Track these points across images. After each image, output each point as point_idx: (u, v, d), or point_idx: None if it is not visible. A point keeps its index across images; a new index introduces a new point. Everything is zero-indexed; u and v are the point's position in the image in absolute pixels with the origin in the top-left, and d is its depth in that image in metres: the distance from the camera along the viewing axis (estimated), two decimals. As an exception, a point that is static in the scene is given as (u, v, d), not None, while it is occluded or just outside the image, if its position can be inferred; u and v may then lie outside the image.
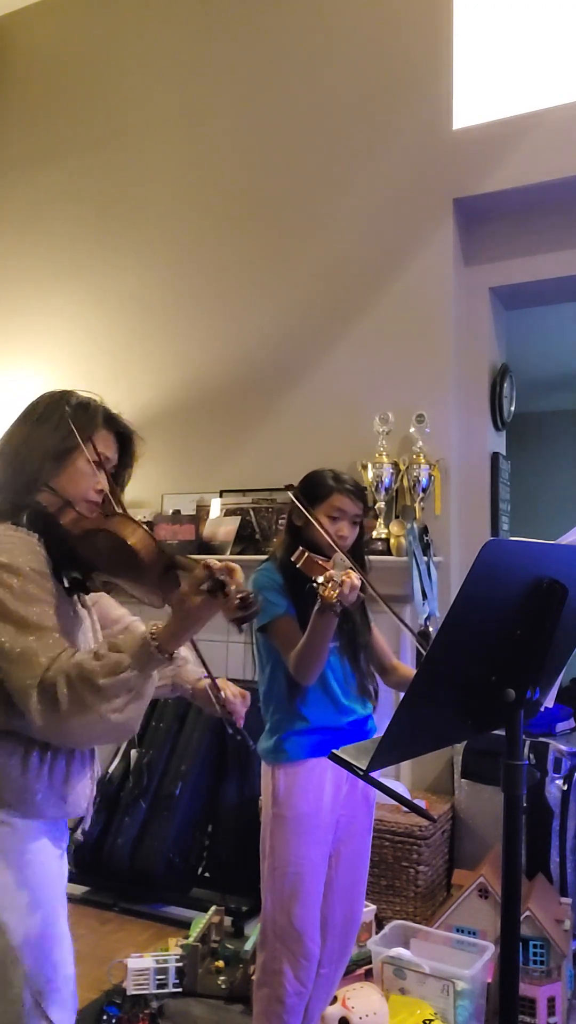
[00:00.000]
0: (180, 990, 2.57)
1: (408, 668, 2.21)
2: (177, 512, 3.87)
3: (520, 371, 4.08)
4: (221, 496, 3.81)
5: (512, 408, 3.80)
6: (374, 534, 3.29)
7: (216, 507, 3.77)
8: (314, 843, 1.97)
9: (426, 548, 3.19)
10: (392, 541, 3.29)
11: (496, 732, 1.25)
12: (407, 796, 2.80)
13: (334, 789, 2.00)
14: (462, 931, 2.60)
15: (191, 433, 4.01)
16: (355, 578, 1.76)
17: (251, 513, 3.64)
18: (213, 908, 2.84)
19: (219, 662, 3.49)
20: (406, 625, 2.19)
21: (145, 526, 1.39)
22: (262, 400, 3.85)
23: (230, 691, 1.53)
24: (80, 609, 1.51)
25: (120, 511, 1.45)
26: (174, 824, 3.33)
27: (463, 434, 3.53)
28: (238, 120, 4.05)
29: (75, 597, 1.48)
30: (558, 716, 3.07)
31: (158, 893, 3.26)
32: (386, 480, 3.39)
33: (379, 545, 3.27)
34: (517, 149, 3.38)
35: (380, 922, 2.77)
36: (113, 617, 1.66)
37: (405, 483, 3.41)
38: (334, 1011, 2.09)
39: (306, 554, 1.83)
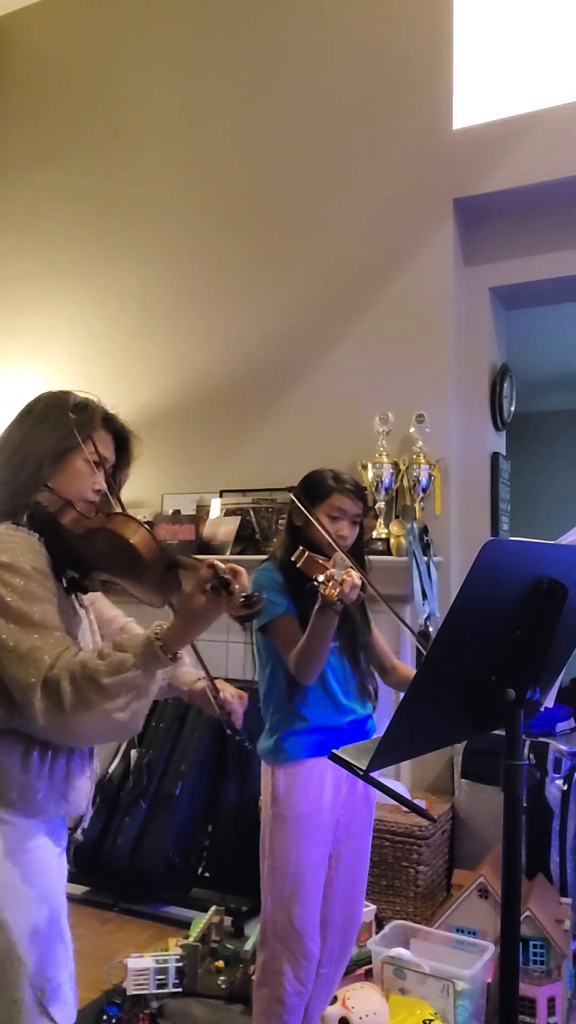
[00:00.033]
0: (180, 990, 2.57)
1: (408, 668, 2.21)
2: (177, 512, 3.87)
3: (520, 371, 4.08)
4: (221, 496, 3.81)
5: (512, 408, 3.80)
6: (374, 534, 3.29)
7: (216, 507, 3.78)
8: (314, 843, 1.97)
9: (426, 548, 3.19)
10: (392, 541, 3.29)
11: (496, 732, 1.25)
12: (407, 796, 2.80)
13: (334, 789, 2.00)
14: (462, 931, 2.60)
15: (191, 433, 4.01)
16: (356, 577, 1.76)
17: (251, 513, 3.64)
18: (213, 908, 2.84)
19: (219, 662, 3.50)
20: (406, 624, 2.19)
21: (147, 526, 1.40)
22: (262, 400, 3.85)
23: (228, 692, 1.54)
24: (79, 609, 1.51)
25: (121, 511, 1.45)
26: (174, 824, 3.33)
27: (463, 434, 3.53)
28: (238, 120, 4.05)
29: (73, 597, 1.49)
30: (558, 716, 3.07)
31: (158, 893, 3.26)
32: (386, 480, 3.39)
33: (379, 545, 3.27)
34: (517, 149, 3.38)
35: (380, 922, 2.77)
36: (107, 618, 1.67)
37: (405, 483, 3.41)
38: (334, 1011, 2.09)
39: (306, 553, 1.83)
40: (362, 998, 2.13)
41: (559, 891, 2.80)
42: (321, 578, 1.73)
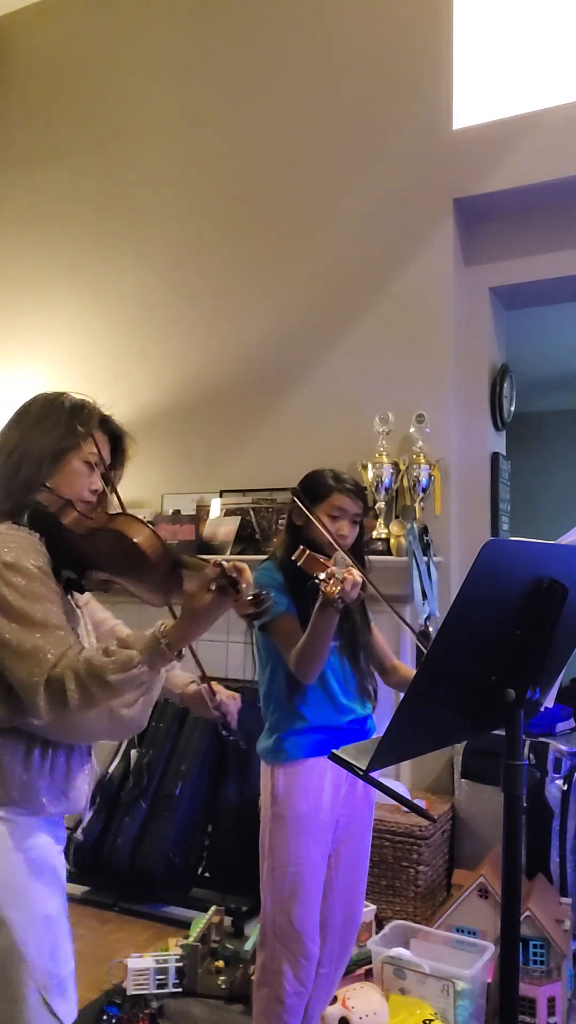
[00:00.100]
0: (180, 990, 2.57)
1: (408, 668, 2.21)
2: (177, 512, 3.87)
3: (520, 371, 4.08)
4: (221, 496, 3.81)
5: (512, 408, 3.79)
6: (374, 534, 3.29)
7: (216, 507, 3.77)
8: (313, 843, 1.97)
9: (426, 548, 3.19)
10: (392, 541, 3.29)
11: (496, 732, 1.25)
12: (407, 796, 2.80)
13: (333, 789, 2.00)
14: (462, 931, 2.60)
15: (191, 433, 4.01)
16: (356, 575, 1.77)
17: (251, 513, 3.64)
18: (213, 908, 2.84)
19: (219, 662, 3.49)
20: (407, 623, 2.19)
21: (150, 525, 1.41)
22: (262, 400, 3.85)
23: (223, 694, 1.56)
24: (76, 608, 1.52)
25: (122, 510, 1.46)
26: (174, 824, 3.33)
27: (463, 434, 3.53)
28: (238, 120, 4.05)
29: (69, 596, 1.49)
30: (558, 716, 3.07)
31: (158, 893, 3.26)
32: (386, 480, 3.39)
33: (379, 545, 3.27)
34: (517, 149, 3.38)
35: (380, 922, 2.77)
36: (98, 619, 1.68)
37: (405, 483, 3.41)
38: (334, 1011, 2.09)
39: (307, 552, 1.83)
40: (362, 998, 2.12)
41: (559, 891, 2.80)
42: (322, 576, 1.73)
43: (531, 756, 2.92)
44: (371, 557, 2.29)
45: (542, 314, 4.47)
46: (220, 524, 3.68)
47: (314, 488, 2.03)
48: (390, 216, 3.62)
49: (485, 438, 3.57)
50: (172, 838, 3.31)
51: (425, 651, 1.34)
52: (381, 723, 1.55)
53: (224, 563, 1.29)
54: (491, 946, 2.42)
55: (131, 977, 2.54)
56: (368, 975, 2.48)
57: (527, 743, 2.95)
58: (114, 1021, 2.42)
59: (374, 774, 1.19)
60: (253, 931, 2.57)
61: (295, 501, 2.01)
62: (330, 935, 2.07)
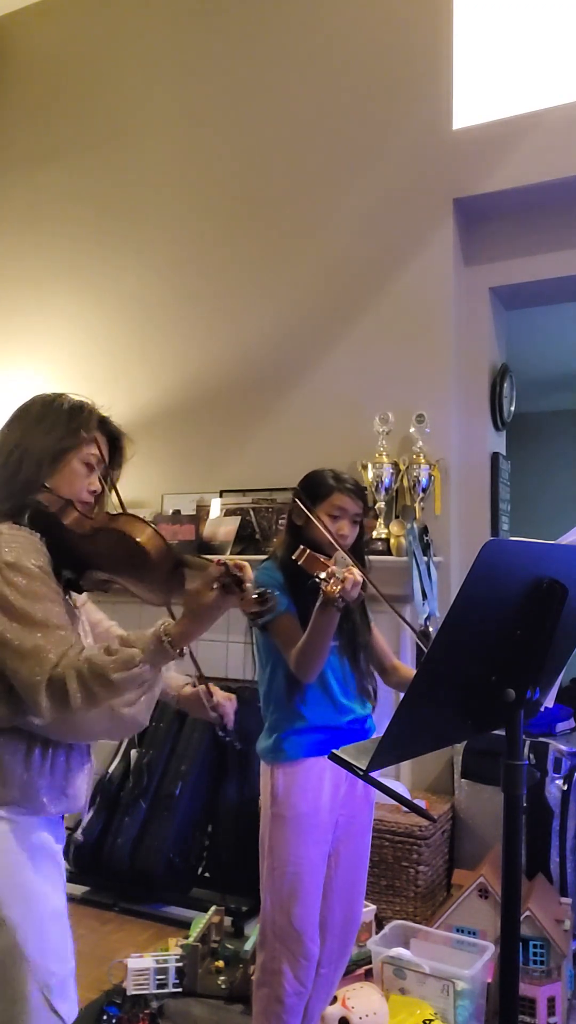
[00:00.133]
0: (180, 990, 2.57)
1: (408, 668, 2.21)
2: (177, 512, 3.87)
3: (520, 371, 4.08)
4: (221, 496, 3.81)
5: (512, 408, 3.79)
6: (374, 534, 3.29)
7: (216, 507, 3.78)
8: (313, 843, 1.97)
9: (426, 548, 3.19)
10: (392, 541, 3.29)
11: (496, 732, 1.25)
12: (407, 796, 2.80)
13: (333, 789, 2.00)
14: (462, 931, 2.60)
15: (191, 433, 4.01)
16: (357, 575, 1.77)
17: (251, 513, 3.64)
18: (213, 908, 2.84)
19: (219, 662, 3.50)
20: (407, 623, 2.19)
21: (153, 525, 1.41)
22: (262, 400, 3.85)
23: (220, 695, 1.57)
24: (74, 609, 1.52)
25: (123, 510, 1.47)
26: (174, 824, 3.33)
27: (463, 434, 3.53)
28: (238, 120, 4.05)
29: (67, 597, 1.50)
30: (558, 716, 3.07)
31: (158, 893, 3.26)
32: (386, 480, 3.39)
33: (379, 545, 3.27)
34: (517, 149, 3.38)
35: (380, 922, 2.77)
36: (93, 620, 1.69)
37: (405, 483, 3.41)
38: (334, 1011, 2.09)
39: (308, 552, 1.83)
40: (362, 998, 2.12)
41: (559, 891, 2.80)
42: (323, 575, 1.73)
43: (531, 756, 2.92)
44: (371, 557, 2.29)
45: (542, 314, 4.47)
46: (220, 524, 3.68)
47: (314, 488, 2.03)
48: (390, 216, 3.62)
49: (485, 438, 3.57)
50: (172, 838, 3.31)
51: (425, 651, 1.35)
52: (381, 723, 1.55)
53: (228, 562, 1.30)
54: (491, 946, 2.42)
55: (131, 977, 2.54)
56: (368, 975, 2.48)
57: (527, 743, 2.95)
58: (114, 1021, 2.42)
59: (374, 774, 1.19)
60: (253, 931, 2.57)
61: (296, 501, 2.01)
62: (330, 935, 2.07)
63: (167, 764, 3.50)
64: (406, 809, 2.56)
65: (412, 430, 3.40)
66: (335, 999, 2.13)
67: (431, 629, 3.02)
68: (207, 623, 1.33)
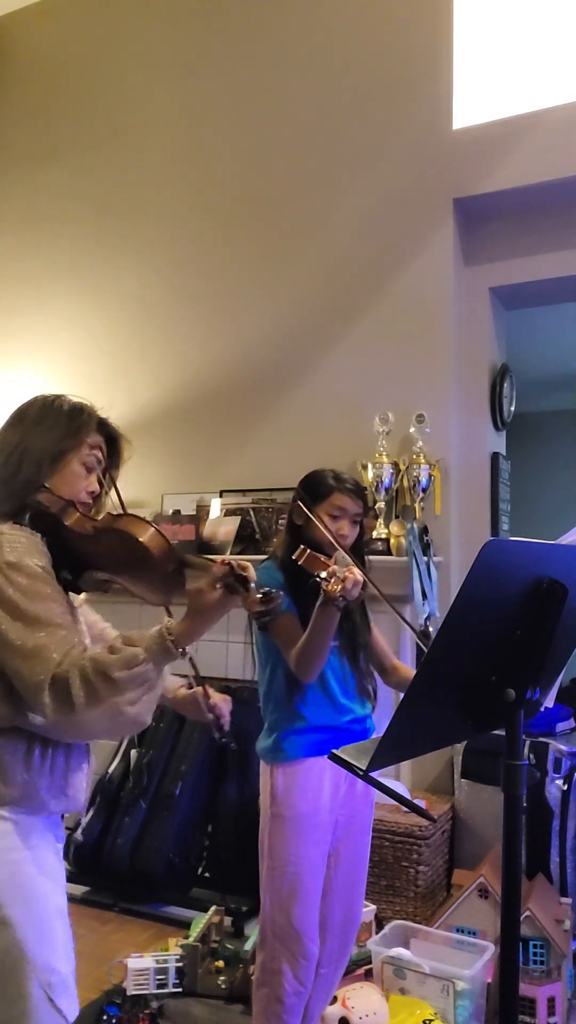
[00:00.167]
0: (180, 990, 2.57)
1: (408, 668, 2.22)
2: (177, 512, 3.87)
3: (520, 371, 4.08)
4: (221, 496, 3.81)
5: (512, 408, 3.79)
6: (374, 534, 3.29)
7: (216, 507, 3.78)
8: (313, 843, 1.97)
9: (426, 548, 3.19)
10: (392, 541, 3.29)
11: (496, 732, 1.25)
12: (407, 796, 2.80)
13: (333, 788, 2.00)
14: (462, 931, 2.60)
15: (191, 433, 4.01)
16: (358, 574, 1.77)
17: (251, 513, 3.64)
18: (213, 908, 2.84)
19: (219, 662, 3.50)
20: (407, 622, 2.19)
21: (155, 525, 1.42)
22: (262, 400, 3.85)
23: (217, 696, 1.58)
24: (74, 609, 1.52)
25: (123, 511, 1.48)
26: (174, 824, 3.33)
27: (463, 434, 3.53)
28: (238, 120, 4.05)
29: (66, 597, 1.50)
30: (558, 716, 3.07)
31: (158, 893, 3.26)
32: (386, 480, 3.39)
33: (379, 545, 3.27)
34: (517, 149, 3.38)
35: (380, 922, 2.77)
36: (89, 621, 1.69)
37: (405, 483, 3.41)
38: (334, 1011, 2.09)
39: (308, 551, 1.84)
40: (362, 998, 2.12)
41: (559, 891, 2.80)
42: (324, 574, 1.74)
43: (531, 756, 2.92)
44: (371, 557, 2.29)
45: (542, 314, 4.47)
46: (220, 524, 3.68)
47: (315, 488, 2.03)
48: (390, 216, 3.62)
49: (485, 438, 3.57)
50: (172, 838, 3.31)
51: (425, 651, 1.35)
52: (381, 723, 1.55)
53: (233, 562, 1.32)
54: (491, 946, 2.42)
55: (131, 977, 2.54)
56: (368, 975, 2.48)
57: (527, 743, 2.95)
58: (114, 1021, 2.42)
59: (374, 774, 1.19)
60: (253, 931, 2.57)
61: (296, 501, 2.02)
62: (330, 935, 2.07)
63: (167, 764, 3.50)
64: (406, 809, 2.56)
65: (412, 430, 3.40)
66: (335, 999, 2.13)
67: (431, 629, 3.02)
68: (210, 622, 1.34)
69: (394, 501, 3.44)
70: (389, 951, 2.38)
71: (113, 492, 1.56)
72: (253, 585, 1.32)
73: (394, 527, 3.32)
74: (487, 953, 2.38)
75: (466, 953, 2.40)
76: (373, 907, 2.78)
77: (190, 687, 1.61)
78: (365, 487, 2.99)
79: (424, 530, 3.26)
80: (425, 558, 3.16)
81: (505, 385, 3.69)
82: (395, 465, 3.41)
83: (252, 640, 2.09)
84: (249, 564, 1.34)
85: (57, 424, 1.48)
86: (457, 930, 2.61)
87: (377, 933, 2.59)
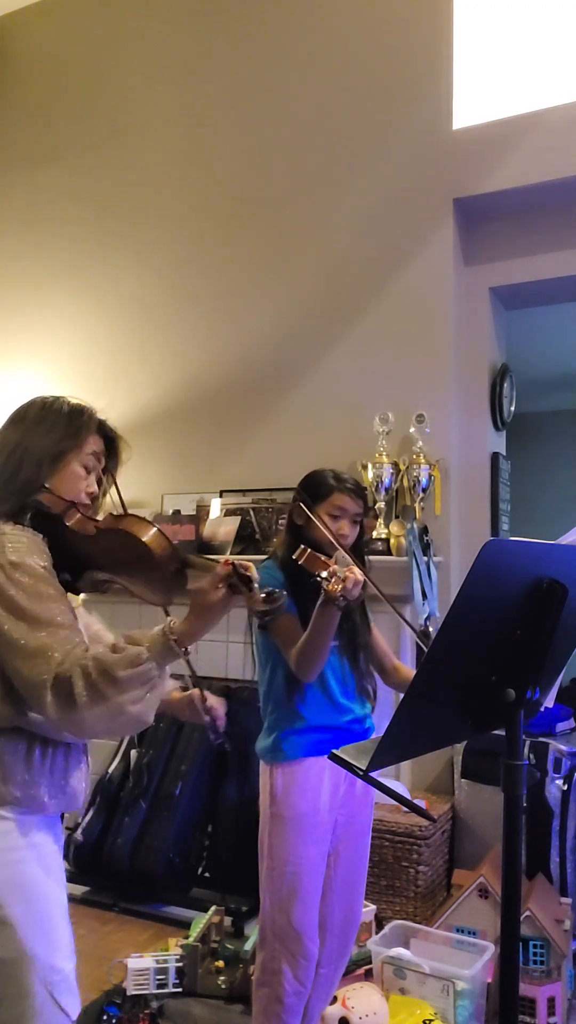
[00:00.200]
0: (180, 990, 2.57)
1: (408, 669, 2.22)
2: (177, 512, 3.87)
3: (520, 371, 4.08)
4: (221, 496, 3.81)
5: (512, 408, 3.79)
6: (374, 534, 3.29)
7: (216, 507, 3.77)
8: (312, 843, 1.97)
9: (426, 548, 3.19)
10: (392, 541, 3.29)
11: (496, 732, 1.25)
12: (407, 796, 2.80)
13: (332, 788, 2.00)
14: (462, 931, 2.60)
15: (191, 433, 4.01)
16: (358, 574, 1.77)
17: (251, 513, 3.64)
18: (213, 908, 2.84)
19: (219, 662, 3.50)
20: (407, 622, 2.19)
21: (157, 526, 1.43)
22: (262, 400, 3.85)
23: (212, 699, 1.59)
24: (74, 609, 1.53)
25: (124, 511, 1.48)
26: (174, 824, 3.33)
27: (463, 434, 3.53)
28: (238, 120, 4.05)
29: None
30: (558, 716, 3.07)
31: (158, 893, 3.26)
32: (386, 480, 3.39)
33: (379, 545, 3.27)
34: (517, 149, 3.38)
35: (380, 922, 2.77)
36: (84, 623, 1.69)
37: (405, 483, 3.41)
38: (334, 1011, 2.09)
39: (308, 551, 1.84)
40: (362, 998, 2.12)
41: (559, 891, 2.80)
42: (324, 574, 1.74)
43: (531, 756, 2.92)
44: (371, 557, 2.29)
45: (542, 314, 4.47)
46: (220, 524, 3.68)
47: (315, 488, 2.03)
48: (390, 216, 3.62)
49: (485, 438, 3.57)
50: (172, 838, 3.31)
51: (425, 651, 1.35)
52: (381, 723, 1.55)
53: (236, 562, 1.33)
54: (491, 946, 2.42)
55: (131, 977, 2.54)
56: (368, 975, 2.48)
57: (527, 743, 2.95)
58: (114, 1021, 2.42)
59: (374, 774, 1.19)
60: (253, 931, 2.57)
61: (296, 501, 2.02)
62: (329, 935, 2.07)
63: (167, 764, 3.50)
64: (406, 809, 2.56)
65: (412, 430, 3.40)
66: (335, 999, 2.13)
67: (431, 629, 3.02)
68: (213, 622, 1.35)
69: (394, 501, 3.44)
70: (389, 951, 2.38)
71: (114, 492, 1.57)
72: (257, 585, 1.33)
73: (394, 527, 3.32)
74: (487, 953, 2.38)
75: (466, 953, 2.40)
76: (373, 907, 2.78)
77: (185, 689, 1.62)
78: (365, 487, 2.99)
79: (424, 530, 3.26)
80: (425, 558, 3.16)
81: (505, 385, 3.69)
82: (395, 465, 3.41)
83: (252, 640, 2.09)
84: (251, 564, 1.35)
85: (57, 425, 1.49)
86: (457, 930, 2.61)
87: (377, 933, 2.59)
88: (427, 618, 3.07)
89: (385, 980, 2.36)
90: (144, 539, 1.39)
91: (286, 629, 1.94)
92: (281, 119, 3.93)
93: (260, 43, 4.02)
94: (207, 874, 3.37)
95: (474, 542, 3.08)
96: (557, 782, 2.89)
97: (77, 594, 1.54)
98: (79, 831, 3.42)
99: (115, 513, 1.48)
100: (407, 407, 3.42)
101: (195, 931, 2.72)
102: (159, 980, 2.56)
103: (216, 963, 2.68)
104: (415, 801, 2.63)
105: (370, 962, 2.47)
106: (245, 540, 3.63)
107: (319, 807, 1.98)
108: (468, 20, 3.52)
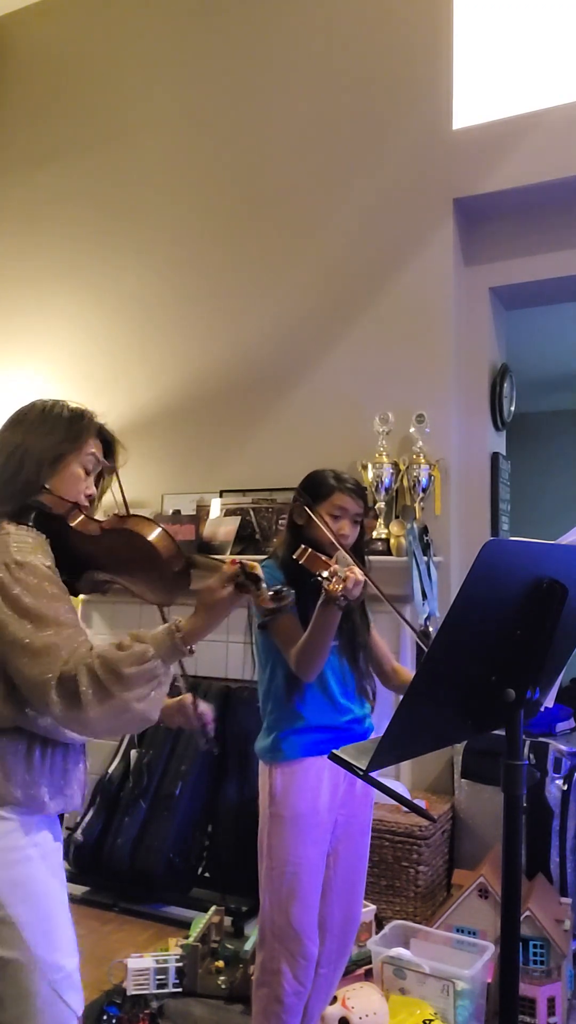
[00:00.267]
0: (180, 990, 2.57)
1: (408, 672, 2.22)
2: (177, 512, 3.87)
3: (520, 371, 4.08)
4: (221, 496, 3.81)
5: (512, 408, 3.79)
6: (374, 534, 3.29)
7: (216, 507, 3.77)
8: (311, 843, 1.97)
9: (426, 548, 3.19)
10: (392, 541, 3.29)
11: (496, 732, 1.25)
12: (407, 796, 2.80)
13: (331, 788, 2.00)
14: (462, 931, 2.60)
15: (191, 433, 4.01)
16: (359, 574, 1.77)
17: (251, 513, 3.64)
18: (213, 908, 2.84)
19: (219, 662, 3.50)
20: (407, 622, 2.19)
21: (162, 526, 1.44)
22: (262, 400, 3.85)
23: (202, 705, 1.61)
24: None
25: (127, 511, 1.49)
26: (174, 824, 3.33)
27: (463, 434, 3.53)
28: (238, 120, 4.05)
29: None
30: (558, 716, 3.07)
31: (158, 893, 3.26)
32: (386, 480, 3.39)
33: (379, 545, 3.27)
34: (517, 149, 3.38)
35: (380, 922, 2.77)
36: None
37: (405, 483, 3.41)
38: (334, 1011, 2.09)
39: (309, 551, 1.84)
40: (362, 998, 2.12)
41: (559, 891, 2.80)
42: (325, 574, 1.74)
43: (531, 756, 2.92)
44: (371, 557, 2.30)
45: (542, 314, 4.47)
46: (220, 524, 3.68)
47: (316, 488, 2.03)
48: (390, 216, 3.62)
49: (485, 438, 3.57)
50: (172, 838, 3.31)
51: (425, 651, 1.35)
52: (381, 723, 1.55)
53: (243, 561, 1.34)
54: (491, 946, 2.42)
55: (131, 977, 2.54)
56: (368, 975, 2.48)
57: (527, 743, 2.95)
58: (114, 1021, 2.42)
59: (374, 774, 1.19)
60: (253, 931, 2.57)
61: (297, 500, 2.02)
62: (329, 935, 2.07)
63: (167, 764, 3.50)
64: (406, 809, 2.56)
65: (412, 430, 3.40)
66: (335, 999, 2.13)
67: (431, 629, 3.02)
68: (219, 620, 1.36)
69: (394, 501, 3.44)
70: (389, 951, 2.38)
71: (118, 493, 1.58)
72: (264, 584, 1.34)
73: (394, 527, 3.32)
74: (487, 953, 2.38)
75: (466, 953, 2.40)
76: (373, 907, 2.78)
77: (177, 693, 1.62)
78: (365, 487, 2.99)
79: (424, 530, 3.26)
80: (425, 558, 3.16)
81: (505, 385, 3.69)
82: (395, 465, 3.41)
83: (252, 640, 2.09)
84: (257, 564, 1.36)
85: (57, 427, 1.50)
86: (457, 930, 2.61)
87: (377, 933, 2.59)
88: (427, 618, 3.07)
89: (385, 980, 2.36)
90: (150, 538, 1.40)
91: (286, 629, 1.94)
92: (281, 119, 3.93)
93: (260, 43, 4.02)
94: (207, 874, 3.37)
95: (474, 542, 3.08)
96: (557, 782, 2.89)
97: (76, 595, 1.55)
98: (79, 831, 3.42)
99: (119, 513, 1.49)
100: (407, 407, 3.42)
101: (195, 931, 2.72)
102: (159, 980, 2.56)
103: (216, 963, 2.68)
104: (415, 801, 2.63)
105: (370, 962, 2.47)
106: (245, 540, 3.63)
107: (318, 807, 1.98)
108: (468, 20, 3.52)
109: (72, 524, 1.44)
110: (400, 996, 2.30)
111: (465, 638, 1.15)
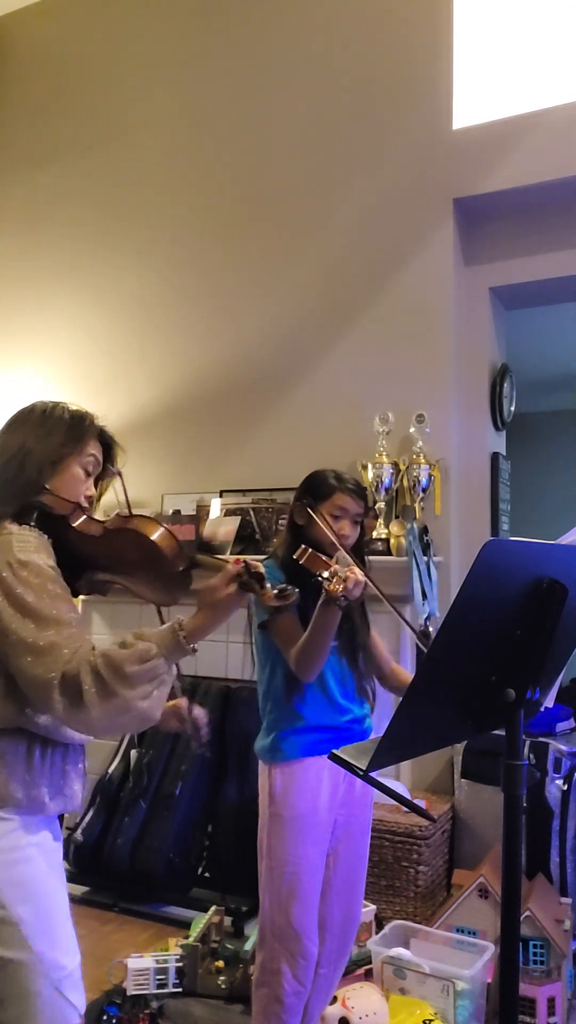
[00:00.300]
0: (180, 990, 2.57)
1: (407, 673, 2.22)
2: (177, 512, 3.87)
3: (520, 371, 4.08)
4: (221, 496, 3.81)
5: (512, 408, 3.79)
6: (374, 534, 3.29)
7: (216, 507, 3.78)
8: (311, 843, 1.97)
9: (426, 548, 3.19)
10: (392, 541, 3.29)
11: (496, 732, 1.26)
12: (407, 796, 2.80)
13: (331, 788, 2.00)
14: (462, 931, 2.60)
15: (191, 433, 4.01)
16: (359, 574, 1.77)
17: (251, 513, 3.64)
18: (213, 908, 2.84)
19: (219, 662, 3.50)
20: (406, 622, 2.20)
21: (165, 526, 1.45)
22: (262, 400, 3.85)
23: (197, 709, 1.62)
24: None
25: (129, 511, 1.51)
26: (174, 824, 3.33)
27: (463, 434, 3.53)
28: (238, 120, 4.05)
29: None
30: (558, 716, 3.07)
31: (158, 893, 3.26)
32: (386, 480, 3.39)
33: (379, 545, 3.27)
34: (517, 149, 3.38)
35: (380, 922, 2.77)
36: None
37: (405, 483, 3.41)
38: (334, 1011, 2.09)
39: (309, 551, 1.84)
40: (362, 998, 2.12)
41: (559, 891, 2.80)
42: (325, 574, 1.74)
43: (531, 756, 2.92)
44: (371, 557, 2.30)
45: (542, 314, 4.47)
46: (220, 524, 3.68)
47: (316, 488, 2.04)
48: (390, 216, 3.62)
49: (485, 438, 3.57)
50: (172, 838, 3.31)
51: (425, 651, 1.35)
52: (381, 723, 1.55)
53: (247, 560, 1.35)
54: (491, 946, 2.42)
55: (131, 977, 2.54)
56: (368, 975, 2.48)
57: (527, 743, 2.95)
58: (114, 1021, 2.42)
59: (374, 774, 1.19)
60: (253, 931, 2.56)
61: (297, 500, 2.02)
62: (329, 935, 2.07)
63: (167, 764, 3.50)
64: (406, 809, 2.56)
65: (412, 430, 3.40)
66: (335, 999, 2.13)
67: (431, 629, 3.02)
68: (222, 619, 1.37)
69: (394, 501, 3.44)
70: (389, 951, 2.38)
71: (120, 493, 1.58)
72: (268, 583, 1.35)
73: (394, 527, 3.32)
74: (487, 953, 2.38)
75: (466, 953, 2.40)
76: (373, 907, 2.78)
77: (172, 696, 1.62)
78: (365, 487, 2.99)
79: (424, 530, 3.26)
80: (425, 558, 3.16)
81: (505, 385, 3.69)
82: (395, 465, 3.41)
83: (252, 640, 2.09)
84: (260, 563, 1.37)
85: (58, 430, 1.51)
86: (457, 930, 2.61)
87: (377, 933, 2.59)
88: (427, 618, 3.07)
89: (385, 980, 2.36)
90: (153, 538, 1.41)
91: (286, 629, 1.94)
92: (281, 119, 3.93)
93: (260, 43, 4.02)
94: (207, 874, 3.37)
95: (474, 542, 3.08)
96: (557, 782, 2.89)
97: (76, 595, 1.55)
98: (79, 831, 3.42)
99: (122, 513, 1.49)
100: (407, 407, 3.42)
101: (195, 931, 2.72)
102: (159, 980, 2.56)
103: (216, 963, 2.68)
104: (415, 801, 2.63)
105: (370, 962, 2.47)
106: (245, 540, 3.63)
107: (318, 807, 1.98)
108: (468, 20, 3.52)
109: (74, 524, 1.45)
110: (400, 996, 2.30)
111: (465, 638, 1.15)
